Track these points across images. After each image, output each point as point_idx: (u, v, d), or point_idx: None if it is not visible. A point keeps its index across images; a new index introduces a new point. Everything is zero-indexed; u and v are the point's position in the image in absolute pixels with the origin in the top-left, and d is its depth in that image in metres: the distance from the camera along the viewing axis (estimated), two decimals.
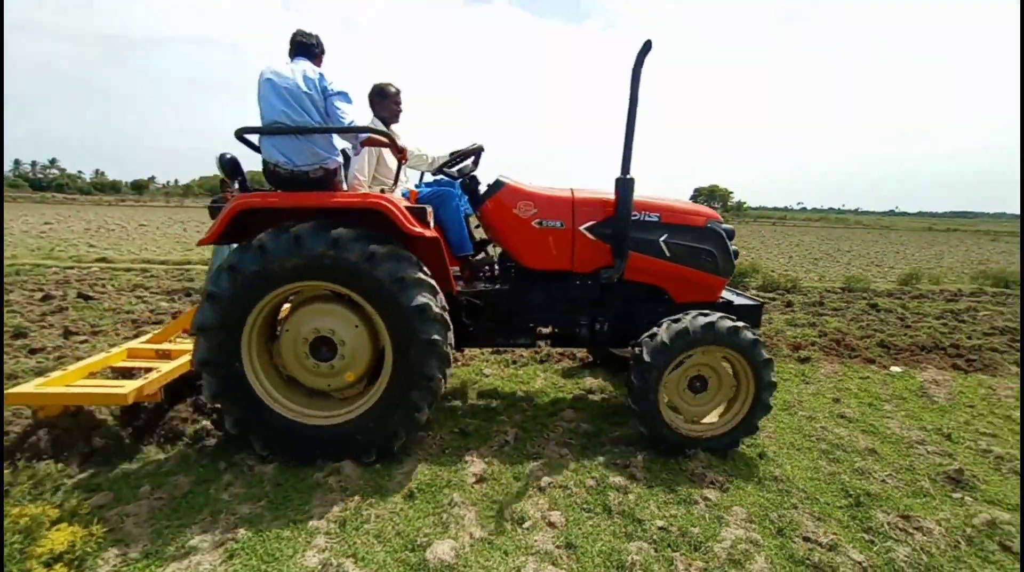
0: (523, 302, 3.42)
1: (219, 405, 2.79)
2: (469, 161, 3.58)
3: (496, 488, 2.70)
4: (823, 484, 2.86)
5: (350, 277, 2.64)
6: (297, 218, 2.65)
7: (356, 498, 2.52)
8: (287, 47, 2.96)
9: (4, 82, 3.28)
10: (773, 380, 3.02)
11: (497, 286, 3.47)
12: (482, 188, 3.37)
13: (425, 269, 2.74)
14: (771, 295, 8.81)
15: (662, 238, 3.29)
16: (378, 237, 2.66)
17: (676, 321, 2.97)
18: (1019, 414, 3.77)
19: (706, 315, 2.97)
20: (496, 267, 3.68)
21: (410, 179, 3.85)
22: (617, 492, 2.67)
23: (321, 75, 2.85)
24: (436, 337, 2.66)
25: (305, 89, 2.76)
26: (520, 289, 3.43)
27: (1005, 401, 4.23)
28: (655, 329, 2.99)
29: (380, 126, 3.37)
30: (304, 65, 2.86)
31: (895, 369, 4.96)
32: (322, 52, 3.00)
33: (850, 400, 4.14)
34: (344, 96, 2.84)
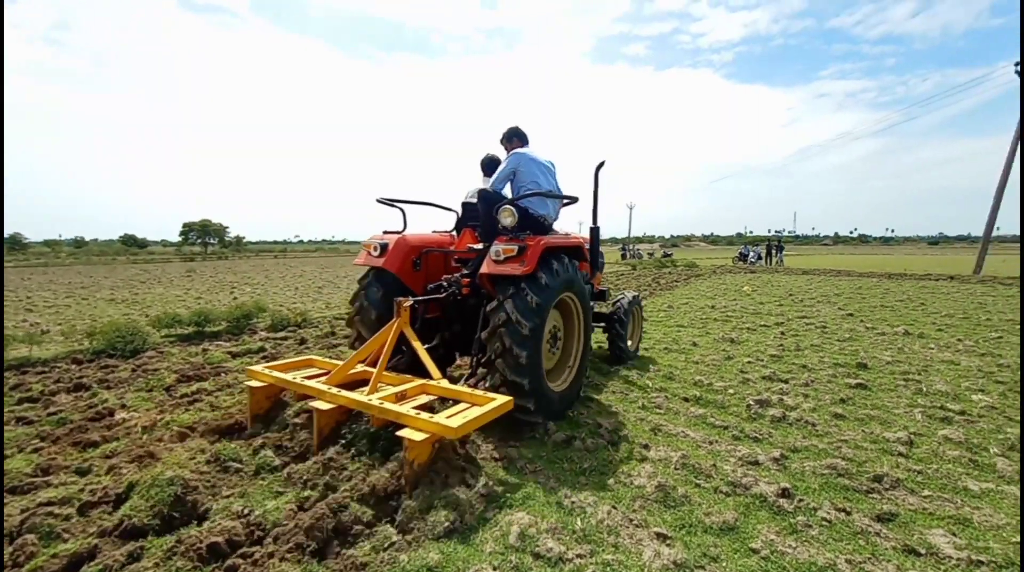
0: None
1: (532, 401, 3.62)
2: None
3: None
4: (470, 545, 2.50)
5: (574, 286, 4.15)
6: (545, 251, 3.82)
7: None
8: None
9: (4, 84, 3.09)
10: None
11: None
12: None
13: None
14: (282, 335, 7.65)
15: (599, 259, 5.53)
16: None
17: (622, 300, 6.13)
18: (1018, 422, 4.03)
19: (628, 295, 6.28)
20: None
21: None
22: None
23: (552, 161, 4.54)
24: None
25: (551, 169, 4.49)
26: None
27: None
28: (618, 306, 6.06)
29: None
30: (539, 151, 4.50)
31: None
32: None
33: None
34: None
